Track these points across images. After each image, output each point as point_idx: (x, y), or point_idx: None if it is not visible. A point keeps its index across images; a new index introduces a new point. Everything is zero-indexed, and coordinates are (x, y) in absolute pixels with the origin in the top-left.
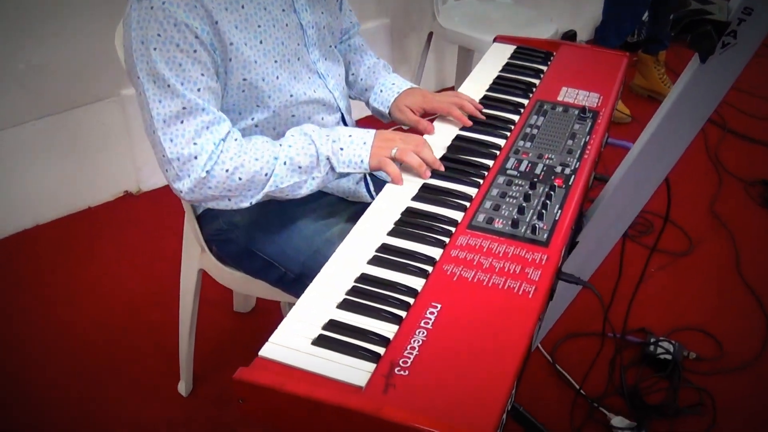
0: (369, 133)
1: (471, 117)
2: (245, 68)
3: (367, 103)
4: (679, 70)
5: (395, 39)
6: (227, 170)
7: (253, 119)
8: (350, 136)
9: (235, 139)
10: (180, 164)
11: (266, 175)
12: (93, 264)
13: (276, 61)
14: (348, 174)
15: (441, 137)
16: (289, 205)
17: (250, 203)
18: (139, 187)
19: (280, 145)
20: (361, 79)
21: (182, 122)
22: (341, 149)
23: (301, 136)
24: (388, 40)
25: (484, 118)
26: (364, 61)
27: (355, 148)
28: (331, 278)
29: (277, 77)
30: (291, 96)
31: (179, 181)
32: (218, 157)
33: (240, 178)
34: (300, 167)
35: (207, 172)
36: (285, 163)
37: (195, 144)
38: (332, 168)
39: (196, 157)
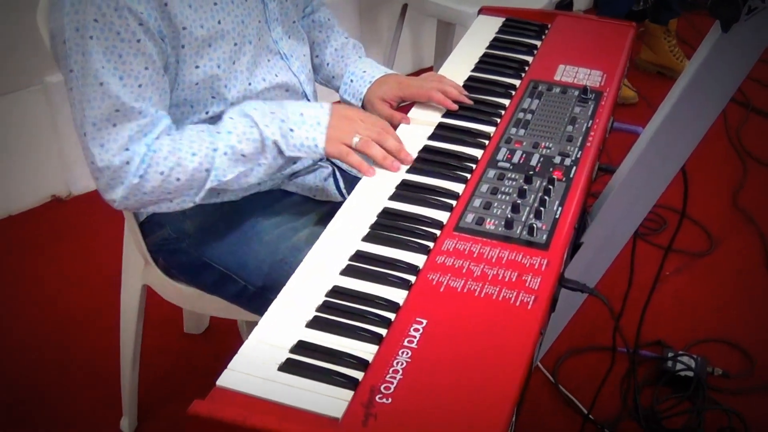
0: (324, 110)
1: (455, 102)
2: (199, 54)
3: (336, 92)
4: (693, 41)
5: (364, 12)
6: (162, 172)
7: (207, 113)
8: (301, 114)
9: (168, 135)
10: (111, 173)
11: (207, 170)
12: (16, 282)
13: (236, 44)
14: (299, 158)
15: (420, 126)
16: (248, 208)
17: (194, 202)
18: (70, 191)
19: (218, 132)
20: (328, 64)
21: (115, 125)
22: (291, 130)
23: (242, 119)
24: (356, 14)
25: (471, 102)
26: (330, 41)
27: (308, 129)
28: (299, 292)
29: (234, 62)
30: (250, 84)
31: (111, 191)
32: (151, 158)
33: (178, 179)
34: (244, 155)
35: (140, 176)
36: (226, 154)
37: (127, 150)
38: (281, 151)
39: (128, 163)
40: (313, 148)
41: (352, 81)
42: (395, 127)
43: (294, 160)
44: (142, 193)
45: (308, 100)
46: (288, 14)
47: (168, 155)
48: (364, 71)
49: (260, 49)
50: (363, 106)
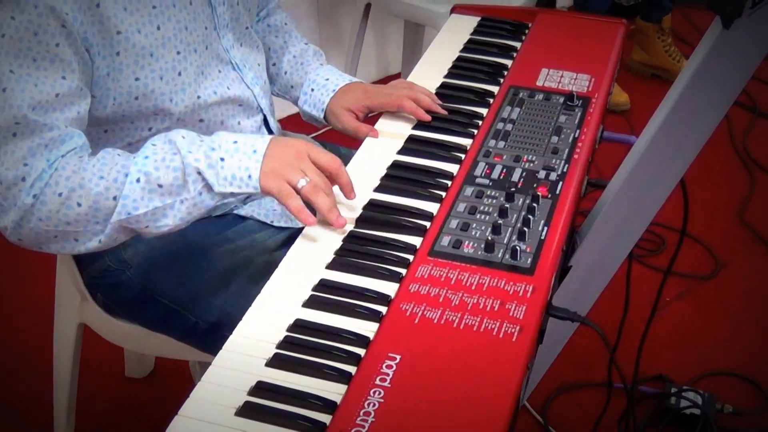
0: (263, 139)
1: (428, 113)
2: (138, 64)
3: (295, 105)
4: (690, 39)
5: (322, 13)
6: (60, 194)
7: (150, 129)
8: (235, 142)
9: (80, 157)
10: (3, 189)
11: (114, 198)
12: None
13: (179, 52)
14: (234, 195)
15: (389, 140)
16: (198, 235)
17: (101, 242)
18: None
19: (134, 157)
20: (286, 73)
21: (15, 136)
22: (221, 159)
23: (165, 145)
24: (313, 15)
25: (444, 112)
26: (288, 47)
27: (241, 158)
28: (257, 327)
29: (180, 73)
30: (198, 97)
31: (2, 215)
32: (50, 177)
33: (79, 204)
34: (161, 186)
35: (34, 196)
36: (139, 181)
37: (26, 165)
38: (208, 186)
39: (23, 179)
40: (245, 180)
41: (312, 90)
42: (360, 141)
43: (224, 198)
44: (38, 219)
45: (264, 115)
46: (239, 19)
47: (71, 175)
48: (327, 79)
49: (209, 59)
50: (325, 118)
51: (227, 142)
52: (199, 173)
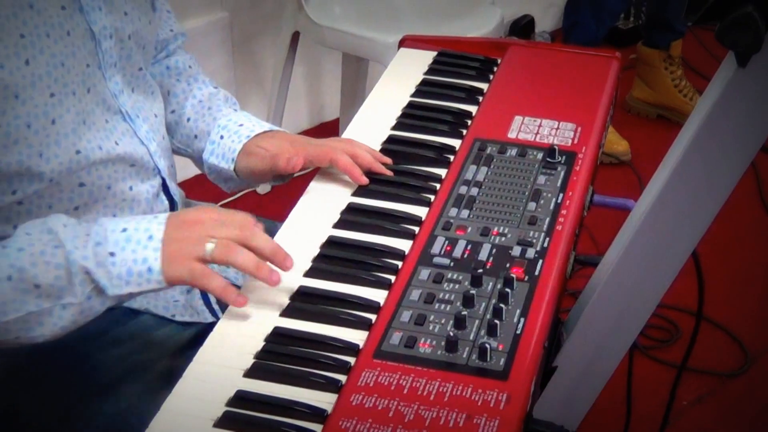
0: (157, 219)
1: (370, 174)
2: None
3: (199, 161)
4: (705, 69)
5: (238, 45)
6: None
7: (14, 193)
8: (124, 230)
9: None
10: None
11: None
12: None
13: (53, 94)
14: (134, 295)
15: (320, 210)
16: (75, 337)
17: None
18: None
19: (4, 247)
20: (188, 120)
21: None
22: (111, 255)
23: (43, 235)
24: (227, 48)
25: (390, 173)
26: (192, 91)
27: (135, 249)
28: None
29: (53, 121)
30: (78, 152)
31: None
32: None
33: None
34: (38, 286)
35: None
36: (10, 279)
37: None
38: (99, 288)
39: None
40: (145, 275)
41: (222, 138)
42: (282, 172)
43: (120, 301)
44: None
45: (162, 177)
46: (131, 58)
47: None
48: (241, 124)
49: (92, 105)
50: (236, 172)
51: (114, 232)
52: (88, 273)
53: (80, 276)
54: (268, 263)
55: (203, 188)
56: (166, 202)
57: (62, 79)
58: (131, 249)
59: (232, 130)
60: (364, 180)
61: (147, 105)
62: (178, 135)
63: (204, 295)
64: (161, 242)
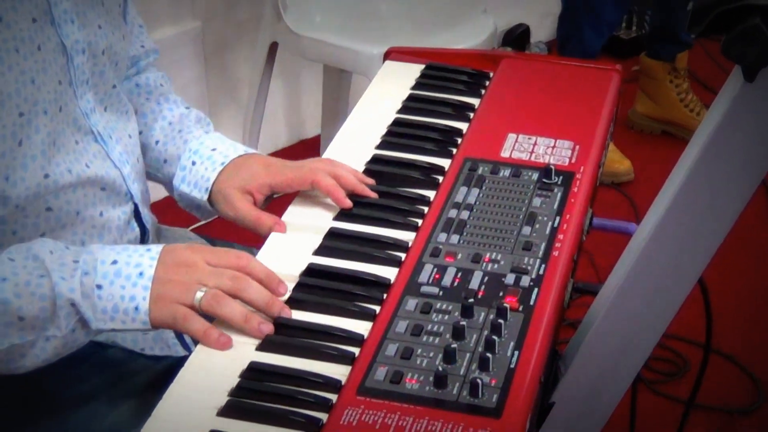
0: (150, 253)
1: (353, 197)
2: None
3: (169, 187)
4: (712, 82)
5: (211, 57)
6: None
7: None
8: (115, 262)
9: None
10: None
11: None
12: None
13: (22, 114)
14: (116, 331)
15: (301, 235)
16: (33, 375)
17: None
18: None
19: None
20: (158, 143)
21: None
22: (98, 287)
23: (28, 262)
24: (198, 60)
25: (374, 196)
26: (162, 111)
27: (124, 284)
28: None
29: (21, 142)
30: (46, 176)
31: None
32: None
33: None
34: (22, 318)
35: None
36: None
37: None
38: (83, 321)
39: None
40: (131, 314)
41: (194, 164)
42: (264, 237)
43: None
44: None
45: (134, 203)
46: (104, 75)
47: None
48: (214, 149)
49: (62, 125)
50: (211, 202)
51: (104, 264)
52: (74, 305)
53: (66, 309)
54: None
55: (174, 211)
56: (137, 230)
57: (32, 98)
58: (120, 284)
59: (205, 156)
60: (348, 203)
61: (120, 125)
62: (147, 158)
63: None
64: (151, 281)
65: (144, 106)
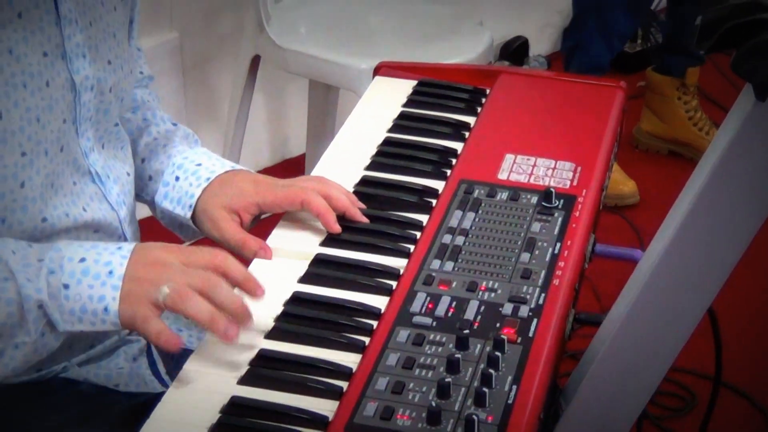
0: (122, 251)
1: (341, 221)
2: None
3: (152, 205)
4: (723, 99)
5: (190, 70)
6: None
7: None
8: (83, 260)
9: None
10: None
11: None
12: None
13: (24, 153)
14: (86, 332)
15: (287, 261)
16: (4, 405)
17: None
18: None
19: None
20: (143, 161)
21: None
22: (65, 287)
23: None
24: (177, 74)
25: (365, 220)
26: (148, 128)
27: (92, 283)
28: None
29: (23, 184)
30: (44, 220)
31: None
32: None
33: None
34: None
35: None
36: None
37: None
38: (51, 323)
39: None
40: (100, 315)
41: (177, 179)
42: (247, 261)
43: (88, 341)
44: None
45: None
46: (108, 112)
47: None
48: (198, 164)
49: (62, 165)
50: (195, 220)
51: (71, 261)
52: (41, 307)
53: (34, 312)
54: (226, 317)
55: (155, 236)
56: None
57: (36, 137)
58: (88, 283)
59: (189, 171)
60: (337, 228)
61: (118, 163)
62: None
63: (153, 364)
64: (121, 280)
65: (129, 123)
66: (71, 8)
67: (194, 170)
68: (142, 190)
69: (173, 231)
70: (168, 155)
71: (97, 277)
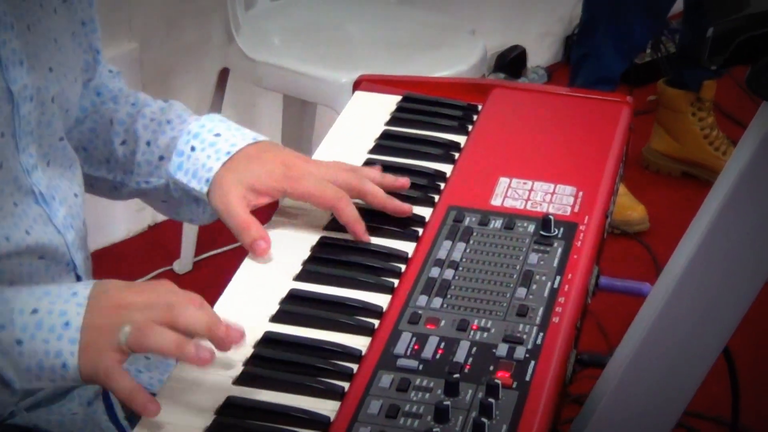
0: (77, 298)
1: (319, 245)
2: None
3: (163, 191)
4: (741, 115)
5: (151, 84)
6: None
7: None
8: (35, 311)
9: None
10: None
11: None
12: None
13: None
14: (46, 388)
15: (254, 298)
16: None
17: None
18: None
19: None
20: (149, 144)
21: None
22: (18, 342)
23: None
24: (136, 87)
25: (368, 239)
26: (141, 111)
27: (47, 338)
28: None
29: None
30: None
31: None
32: None
33: None
34: None
35: None
36: None
37: None
38: (5, 382)
39: None
40: (60, 372)
41: (193, 149)
42: (244, 246)
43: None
44: None
45: (77, 275)
46: (51, 125)
47: None
48: (217, 134)
49: (2, 184)
50: (209, 197)
51: (23, 314)
52: None
53: None
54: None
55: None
56: (84, 281)
57: None
58: (42, 338)
59: (207, 141)
60: (367, 238)
61: (65, 183)
62: (136, 173)
63: (109, 407)
64: (79, 331)
65: (118, 112)
66: (5, 11)
67: (212, 141)
68: (152, 174)
69: (187, 206)
70: (177, 127)
71: (52, 330)
